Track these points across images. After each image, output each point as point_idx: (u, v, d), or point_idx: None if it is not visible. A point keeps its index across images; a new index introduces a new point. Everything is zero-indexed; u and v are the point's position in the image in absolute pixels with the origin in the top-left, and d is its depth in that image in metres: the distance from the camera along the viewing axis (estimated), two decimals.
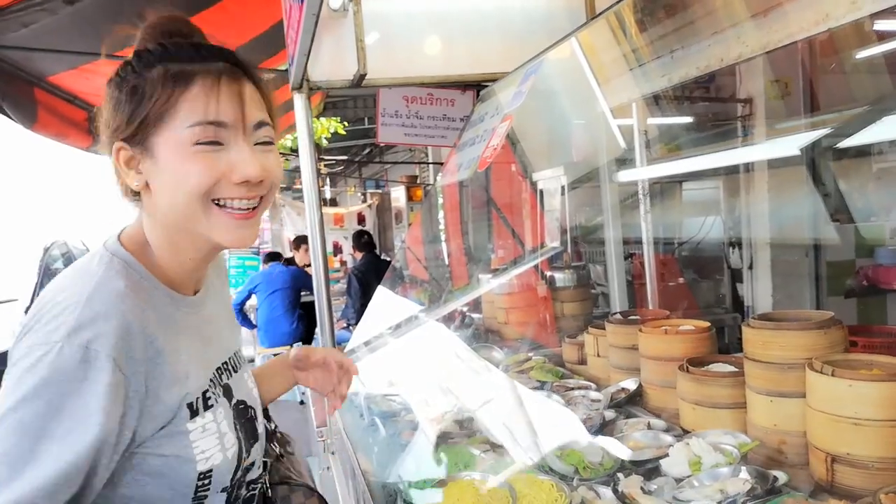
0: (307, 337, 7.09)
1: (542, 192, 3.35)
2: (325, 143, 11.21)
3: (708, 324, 1.98)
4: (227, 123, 0.92)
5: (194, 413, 0.93)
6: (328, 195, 15.82)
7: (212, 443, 0.94)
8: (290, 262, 7.93)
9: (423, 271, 3.89)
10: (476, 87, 4.32)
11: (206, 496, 0.95)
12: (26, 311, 0.91)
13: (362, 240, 6.97)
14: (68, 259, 8.76)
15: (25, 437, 0.78)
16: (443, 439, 1.78)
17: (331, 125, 10.81)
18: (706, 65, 2.01)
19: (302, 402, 6.74)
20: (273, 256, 7.56)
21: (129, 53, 0.98)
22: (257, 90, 0.98)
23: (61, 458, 0.78)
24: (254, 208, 0.96)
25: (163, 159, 0.92)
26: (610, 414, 1.85)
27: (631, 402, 1.99)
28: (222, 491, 0.98)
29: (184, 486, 0.92)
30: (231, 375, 1.07)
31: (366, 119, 10.55)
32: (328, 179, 15.29)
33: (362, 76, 2.57)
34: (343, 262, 10.89)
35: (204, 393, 0.96)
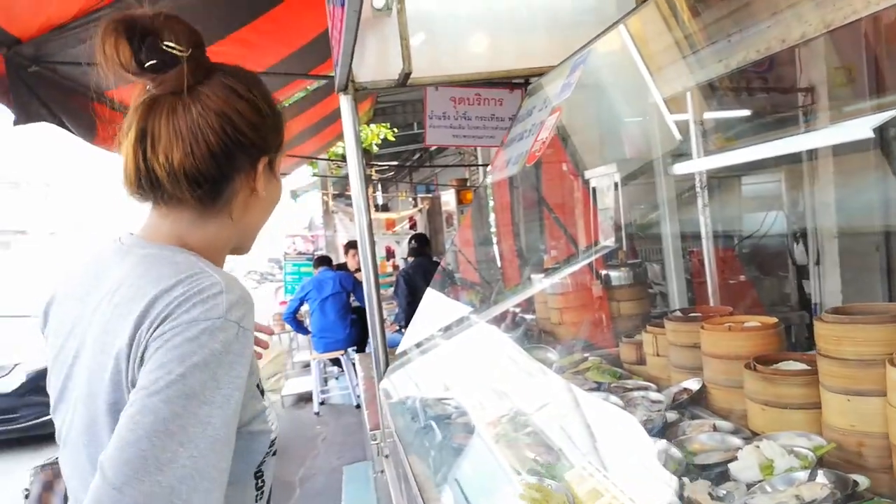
0: (361, 341, 7.12)
1: (594, 188, 3.26)
2: (375, 149, 11.30)
3: (775, 320, 1.88)
4: None
5: (262, 392, 1.03)
6: (380, 201, 15.95)
7: (273, 415, 1.04)
8: (342, 267, 7.98)
9: (473, 272, 3.84)
10: (524, 85, 4.26)
11: (265, 461, 1.03)
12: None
13: (411, 244, 6.97)
14: None
15: (192, 400, 0.84)
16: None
17: (380, 131, 10.89)
18: (766, 47, 1.91)
19: (358, 406, 6.77)
20: (323, 261, 7.62)
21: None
22: None
23: (221, 422, 0.85)
24: None
25: (275, 177, 1.11)
26: (672, 415, 1.76)
27: (694, 403, 1.90)
28: (274, 454, 1.06)
29: (259, 455, 1.01)
30: None
31: (415, 124, 10.63)
32: (379, 185, 15.41)
33: (407, 75, 2.54)
34: (396, 267, 10.93)
35: (258, 378, 1.05)
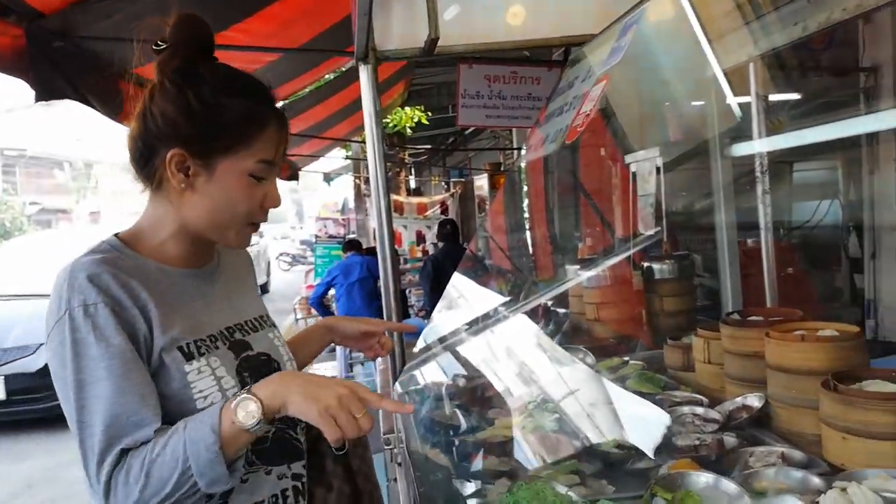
0: None
1: (637, 171, 2.97)
2: (408, 132, 11.06)
3: (857, 328, 1.59)
4: (276, 163, 1.16)
5: (188, 356, 1.11)
6: (412, 185, 15.73)
7: (208, 383, 1.11)
8: (372, 251, 7.80)
9: (501, 260, 3.58)
10: (563, 63, 3.96)
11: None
12: None
13: (445, 229, 6.75)
14: None
15: (89, 386, 1.03)
16: (517, 471, 1.48)
17: (414, 115, 10.65)
18: (857, 4, 1.60)
19: None
20: (352, 245, 7.44)
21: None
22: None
23: (116, 389, 1.03)
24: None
25: (219, 178, 1.12)
26: (730, 440, 1.49)
27: (754, 424, 1.63)
28: None
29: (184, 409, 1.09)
30: (248, 333, 1.24)
31: (450, 107, 10.35)
32: (412, 169, 15.18)
33: (434, 41, 2.28)
34: (426, 252, 10.72)
35: (196, 341, 1.13)
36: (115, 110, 3.14)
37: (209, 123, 1.10)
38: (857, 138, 3.56)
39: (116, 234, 1.18)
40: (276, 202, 1.18)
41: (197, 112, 1.10)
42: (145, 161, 1.14)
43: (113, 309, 1.05)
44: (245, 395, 1.02)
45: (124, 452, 1.01)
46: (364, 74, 2.43)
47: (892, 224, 3.55)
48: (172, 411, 1.07)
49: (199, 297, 1.20)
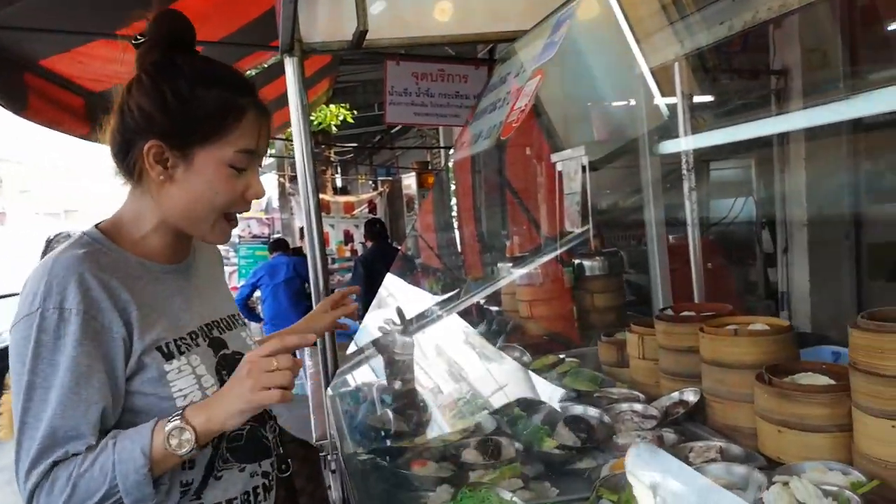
0: None
1: (564, 170, 2.99)
2: (334, 130, 10.88)
3: (787, 322, 1.62)
4: (257, 153, 1.15)
5: (168, 356, 1.10)
6: (339, 183, 15.52)
7: (188, 382, 1.10)
8: (298, 251, 7.62)
9: (433, 260, 3.54)
10: (490, 61, 3.95)
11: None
12: None
13: (374, 228, 6.64)
14: None
15: (39, 390, 1.02)
16: (458, 476, 1.44)
17: (340, 112, 10.47)
18: (781, 3, 1.64)
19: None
20: (278, 245, 7.23)
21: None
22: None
23: (63, 401, 1.01)
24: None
25: (197, 169, 1.11)
26: (670, 436, 1.49)
27: (689, 418, 1.64)
28: None
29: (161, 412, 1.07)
30: (224, 332, 1.24)
31: (376, 105, 10.24)
32: (339, 168, 14.96)
33: (363, 34, 2.21)
34: (354, 252, 10.57)
35: (175, 340, 1.12)
36: (20, 105, 2.92)
37: (185, 116, 1.10)
38: (770, 138, 3.71)
39: (97, 226, 1.17)
40: (259, 193, 1.17)
41: (172, 105, 1.10)
42: (124, 154, 1.14)
43: (88, 314, 1.03)
44: (179, 423, 1.02)
45: (54, 464, 1.01)
46: (290, 67, 2.33)
47: (802, 220, 3.71)
48: (151, 409, 1.07)
49: (178, 292, 1.20)
